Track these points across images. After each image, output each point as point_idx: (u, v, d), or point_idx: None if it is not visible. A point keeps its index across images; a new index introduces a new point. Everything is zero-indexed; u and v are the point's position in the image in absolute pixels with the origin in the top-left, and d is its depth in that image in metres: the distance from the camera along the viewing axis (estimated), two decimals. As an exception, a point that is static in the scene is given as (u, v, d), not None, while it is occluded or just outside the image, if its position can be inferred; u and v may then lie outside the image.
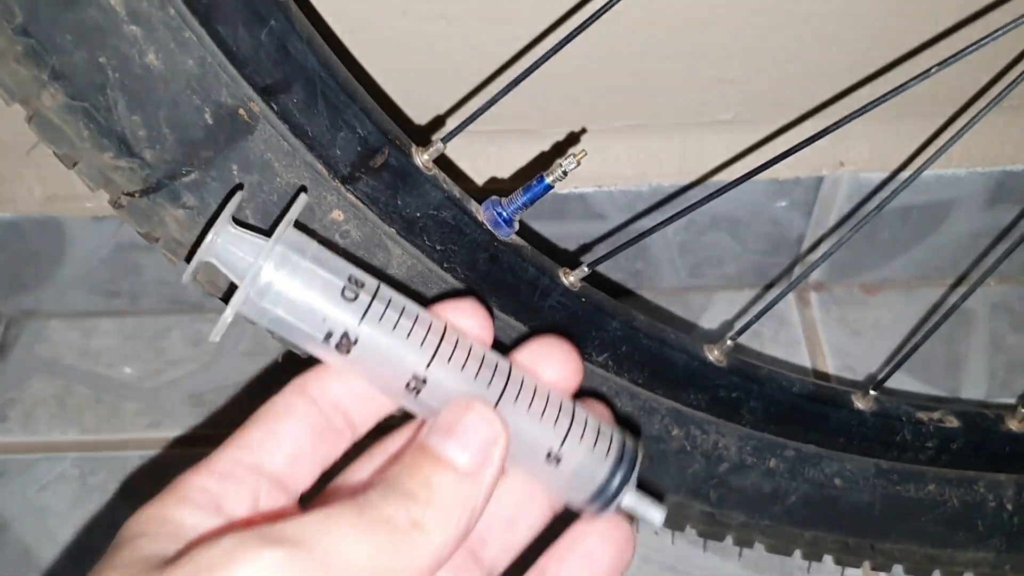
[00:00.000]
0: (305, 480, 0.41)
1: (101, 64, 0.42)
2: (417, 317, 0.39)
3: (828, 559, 0.67)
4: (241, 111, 0.44)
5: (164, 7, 0.42)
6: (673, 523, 0.64)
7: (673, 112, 0.73)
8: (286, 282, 0.37)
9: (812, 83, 0.71)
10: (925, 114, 0.74)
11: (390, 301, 0.39)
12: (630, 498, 0.42)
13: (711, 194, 0.56)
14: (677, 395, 0.60)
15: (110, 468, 0.77)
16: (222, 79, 0.44)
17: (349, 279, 0.39)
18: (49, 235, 0.78)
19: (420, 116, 0.72)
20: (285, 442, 0.40)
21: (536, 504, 0.44)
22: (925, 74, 0.46)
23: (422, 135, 0.72)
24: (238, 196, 0.39)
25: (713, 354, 0.61)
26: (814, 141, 0.50)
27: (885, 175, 0.76)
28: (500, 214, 0.54)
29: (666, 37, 0.67)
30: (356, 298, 0.38)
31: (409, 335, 0.39)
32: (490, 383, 0.40)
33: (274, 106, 0.45)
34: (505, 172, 0.75)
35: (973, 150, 0.75)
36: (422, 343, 0.39)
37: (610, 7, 0.49)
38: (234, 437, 0.40)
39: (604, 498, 0.41)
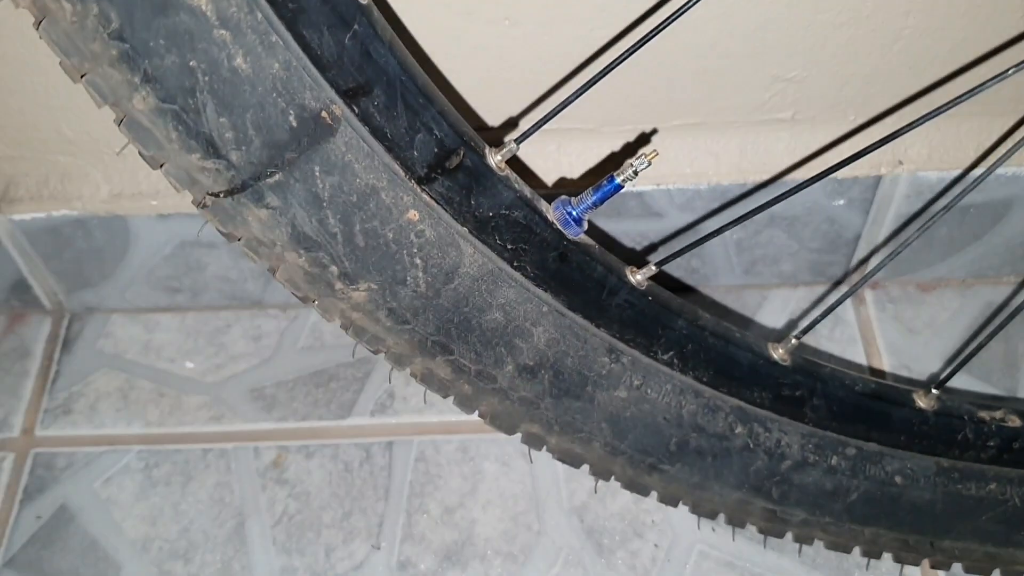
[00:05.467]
0: None
1: (191, 68, 0.43)
2: None
3: (887, 557, 0.67)
4: (324, 114, 0.45)
5: (252, 11, 0.43)
6: (734, 520, 0.65)
7: (732, 111, 0.73)
8: None
9: (872, 83, 0.71)
10: (983, 113, 0.74)
11: None
12: None
13: (774, 199, 0.56)
14: (741, 393, 0.61)
15: (173, 461, 0.79)
16: (306, 82, 0.44)
17: None
18: (114, 232, 0.80)
19: (489, 115, 0.73)
20: None
21: None
22: (1003, 75, 0.46)
23: (485, 133, 0.73)
24: None
25: (777, 352, 0.61)
26: (879, 146, 0.50)
27: (944, 174, 0.75)
28: (570, 213, 0.55)
29: (726, 36, 0.67)
30: None
31: None
32: None
33: (355, 109, 0.46)
34: (567, 169, 0.76)
35: (1033, 148, 0.75)
36: None
37: (684, 12, 0.50)
38: None
39: None
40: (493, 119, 0.73)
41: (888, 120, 0.74)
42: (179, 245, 0.81)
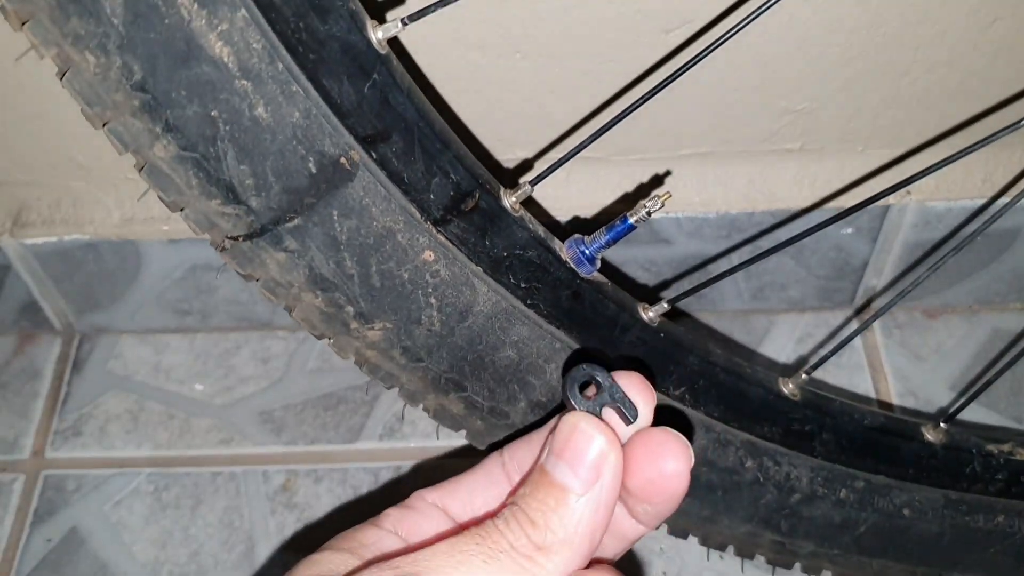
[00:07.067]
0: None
1: (213, 117, 0.43)
2: None
3: (895, 588, 0.67)
4: (343, 159, 0.46)
5: (273, 62, 0.43)
6: (743, 551, 0.65)
7: (741, 141, 0.74)
8: None
9: (880, 115, 0.72)
10: (991, 145, 0.74)
11: None
12: None
13: (786, 241, 0.57)
14: (752, 428, 0.61)
15: (183, 484, 0.79)
16: (326, 130, 0.45)
17: None
18: (125, 256, 0.80)
19: (502, 150, 0.73)
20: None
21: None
22: (1015, 126, 0.46)
23: (491, 163, 0.74)
24: None
25: (787, 387, 0.62)
26: (892, 192, 0.51)
27: (951, 204, 0.76)
28: (583, 252, 0.55)
29: (737, 67, 0.68)
30: None
31: None
32: None
33: (373, 154, 0.46)
34: (575, 197, 0.76)
35: (1041, 179, 0.76)
36: None
37: (703, 57, 0.50)
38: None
39: None
40: (506, 154, 0.73)
41: (897, 152, 0.74)
42: (189, 269, 0.81)
